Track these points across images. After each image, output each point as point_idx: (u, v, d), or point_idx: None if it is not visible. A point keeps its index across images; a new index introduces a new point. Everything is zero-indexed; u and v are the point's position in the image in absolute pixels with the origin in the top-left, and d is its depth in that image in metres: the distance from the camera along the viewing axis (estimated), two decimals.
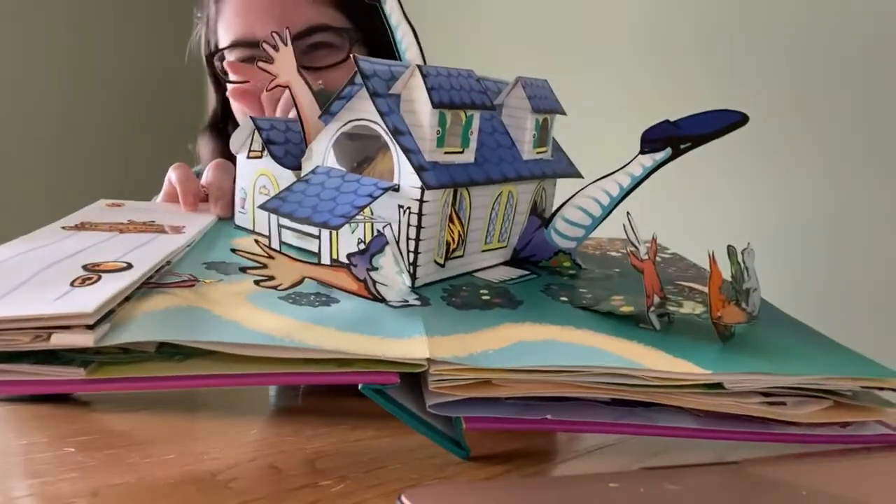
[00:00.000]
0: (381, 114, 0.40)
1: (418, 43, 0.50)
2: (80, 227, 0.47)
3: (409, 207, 0.40)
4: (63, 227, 0.46)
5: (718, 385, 0.33)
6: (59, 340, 0.29)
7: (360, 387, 0.32)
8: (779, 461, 0.32)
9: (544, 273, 0.47)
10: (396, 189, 0.40)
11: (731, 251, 0.41)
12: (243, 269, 0.35)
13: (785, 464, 0.32)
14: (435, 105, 0.39)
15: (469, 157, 0.43)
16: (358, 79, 0.41)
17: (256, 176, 0.49)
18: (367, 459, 0.33)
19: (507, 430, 0.36)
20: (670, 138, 0.44)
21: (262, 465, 0.32)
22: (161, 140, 2.39)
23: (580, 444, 0.35)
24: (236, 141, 0.49)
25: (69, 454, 0.33)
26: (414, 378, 0.33)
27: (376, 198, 0.39)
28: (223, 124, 0.80)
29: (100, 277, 0.35)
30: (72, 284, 0.34)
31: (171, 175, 0.57)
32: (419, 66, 0.40)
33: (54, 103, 2.24)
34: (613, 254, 0.55)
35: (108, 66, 2.33)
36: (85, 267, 0.37)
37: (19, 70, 2.15)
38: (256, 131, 0.47)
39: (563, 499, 0.25)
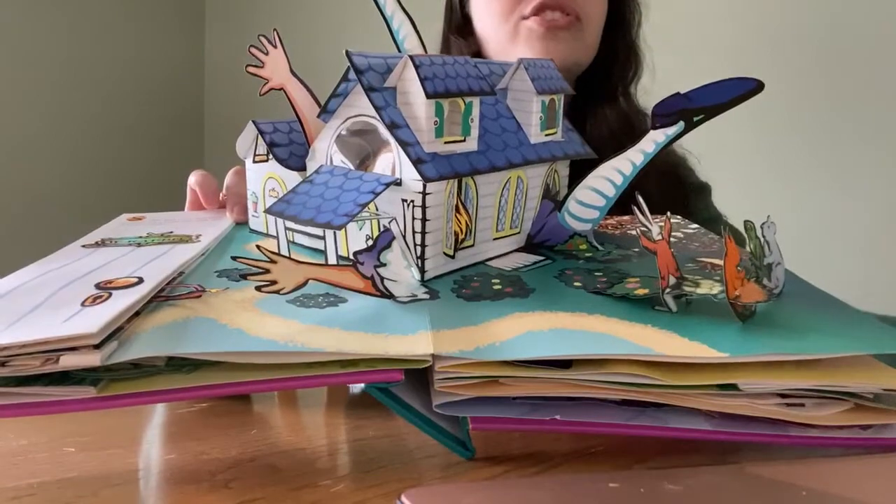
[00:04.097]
0: (377, 108, 0.39)
1: (417, 32, 0.49)
2: (100, 244, 0.48)
3: (412, 201, 0.40)
4: (83, 246, 0.47)
5: (733, 385, 0.32)
6: (68, 362, 0.30)
7: (364, 386, 0.32)
8: (779, 461, 0.31)
9: (559, 257, 0.46)
10: (399, 183, 0.40)
11: (748, 226, 0.39)
12: (244, 276, 0.36)
13: (785, 464, 0.30)
14: (429, 95, 0.38)
15: (471, 145, 0.42)
16: (352, 74, 0.40)
17: (265, 179, 0.49)
18: (367, 459, 0.33)
19: (514, 431, 0.35)
20: (682, 111, 0.43)
21: (262, 465, 0.33)
22: (170, 148, 2.44)
23: (580, 444, 0.34)
24: (242, 146, 0.49)
25: (69, 454, 0.34)
26: (421, 376, 0.33)
27: (378, 194, 0.39)
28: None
29: (110, 295, 0.36)
30: (83, 304, 0.34)
31: (191, 180, 0.58)
32: (411, 57, 0.39)
33: (64, 110, 2.28)
34: (634, 232, 0.54)
35: (116, 75, 2.37)
36: (97, 285, 0.37)
37: (29, 76, 2.19)
38: (259, 135, 0.47)
39: (563, 499, 0.24)
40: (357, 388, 0.44)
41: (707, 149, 0.81)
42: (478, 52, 0.81)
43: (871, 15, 1.33)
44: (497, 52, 0.78)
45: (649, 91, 0.84)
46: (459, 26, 0.83)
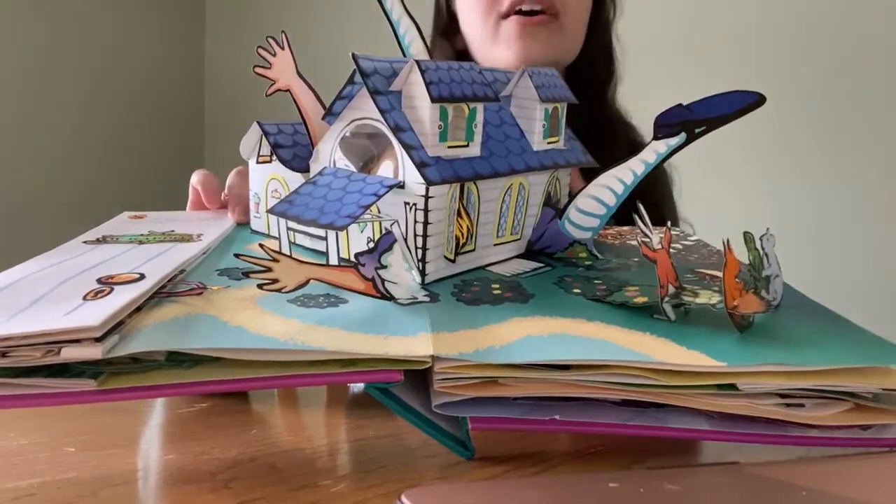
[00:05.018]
0: (382, 111, 0.40)
1: (422, 37, 0.49)
2: (101, 240, 0.48)
3: (414, 204, 0.40)
4: (84, 242, 0.47)
5: (732, 385, 0.32)
6: (69, 354, 0.30)
7: (364, 386, 0.32)
8: (779, 461, 0.31)
9: (559, 265, 0.47)
10: (401, 186, 0.40)
11: (747, 237, 0.39)
12: (246, 274, 0.36)
13: (785, 464, 0.30)
14: (434, 99, 0.39)
15: (474, 150, 0.42)
16: (358, 77, 0.41)
17: (268, 180, 0.49)
18: (367, 459, 0.33)
19: (513, 431, 0.35)
20: (684, 123, 0.43)
21: (262, 465, 0.33)
22: (170, 148, 2.45)
23: (580, 444, 0.34)
24: (245, 147, 0.49)
25: (69, 454, 0.34)
26: (421, 377, 0.33)
27: (381, 196, 0.39)
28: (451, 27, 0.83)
29: (112, 290, 0.36)
30: (84, 298, 0.34)
31: (193, 179, 0.59)
32: (417, 62, 0.39)
33: (65, 110, 2.28)
34: (633, 243, 0.54)
35: (117, 75, 2.38)
36: (99, 280, 0.37)
37: (30, 76, 2.20)
38: (264, 136, 0.47)
39: (563, 499, 0.25)
40: (357, 387, 0.44)
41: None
42: (463, 52, 0.81)
43: (864, 9, 1.33)
44: (480, 52, 0.78)
45: (625, 94, 0.85)
46: (446, 25, 0.83)
